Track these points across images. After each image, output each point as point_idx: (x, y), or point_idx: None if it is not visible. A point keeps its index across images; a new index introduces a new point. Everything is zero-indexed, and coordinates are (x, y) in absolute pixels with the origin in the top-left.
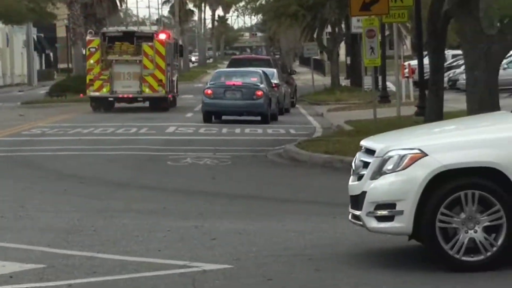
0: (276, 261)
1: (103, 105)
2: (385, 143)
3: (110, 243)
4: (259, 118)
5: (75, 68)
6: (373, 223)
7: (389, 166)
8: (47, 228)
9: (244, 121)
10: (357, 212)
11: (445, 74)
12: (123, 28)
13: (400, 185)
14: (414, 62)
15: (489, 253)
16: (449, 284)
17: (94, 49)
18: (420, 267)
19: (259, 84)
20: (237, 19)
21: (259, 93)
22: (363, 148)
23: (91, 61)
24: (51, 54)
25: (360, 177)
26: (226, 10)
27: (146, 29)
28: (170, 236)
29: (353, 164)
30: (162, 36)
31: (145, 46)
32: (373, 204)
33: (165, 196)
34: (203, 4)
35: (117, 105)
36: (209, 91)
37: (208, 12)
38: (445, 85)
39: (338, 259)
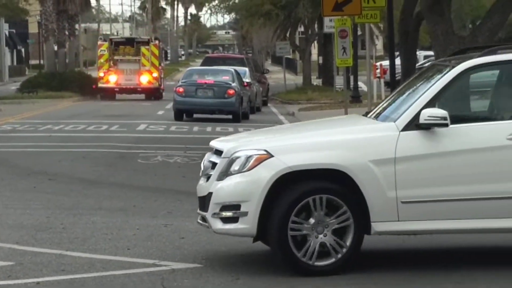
0: (245, 261)
1: (109, 94)
2: (233, 143)
3: (79, 241)
4: (230, 116)
5: (47, 64)
6: (219, 225)
7: (235, 167)
8: (16, 225)
9: (215, 119)
10: (204, 214)
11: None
12: (126, 35)
13: (245, 186)
14: (386, 63)
15: (339, 255)
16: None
17: (104, 51)
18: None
19: (231, 82)
20: (210, 17)
21: (231, 91)
22: (212, 149)
23: (102, 60)
24: (23, 50)
25: (208, 178)
26: (199, 8)
27: (144, 36)
28: (139, 234)
29: (202, 165)
30: (156, 41)
31: (143, 49)
32: (218, 205)
33: (135, 194)
34: (175, 2)
35: (118, 96)
36: (181, 89)
37: (180, 10)
38: None
39: None
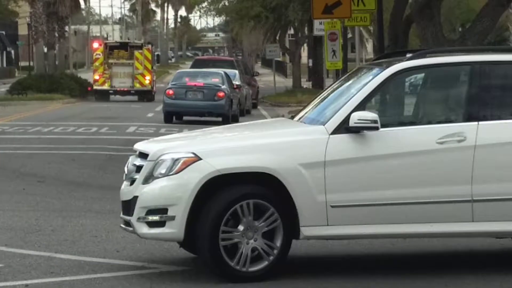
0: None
1: (104, 96)
2: (159, 146)
3: (68, 243)
4: (220, 119)
5: (36, 66)
6: (144, 229)
7: (162, 170)
8: (5, 228)
9: (205, 122)
10: (128, 218)
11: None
12: (120, 40)
13: (172, 189)
14: None
15: (272, 257)
16: None
17: (99, 55)
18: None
19: (220, 85)
20: (200, 20)
21: (221, 94)
22: (137, 151)
23: (97, 64)
24: (13, 52)
25: (132, 182)
26: (188, 11)
27: (137, 41)
28: (128, 237)
29: (125, 168)
30: (149, 46)
31: (136, 53)
32: (144, 209)
33: None
34: (165, 4)
35: (112, 97)
36: (171, 92)
37: (171, 12)
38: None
39: (293, 261)
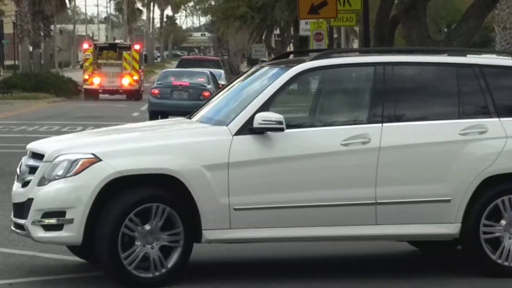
0: (224, 268)
1: (93, 95)
2: (55, 146)
3: None
4: None
5: (21, 65)
6: (40, 233)
7: (59, 171)
8: None
9: None
10: (22, 221)
11: None
12: (110, 41)
13: (71, 191)
14: None
15: (170, 264)
16: None
17: (88, 55)
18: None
19: (206, 84)
20: (186, 19)
21: (206, 93)
22: (29, 152)
23: (87, 64)
24: None
25: (25, 183)
26: (175, 10)
27: (125, 42)
28: None
29: (18, 169)
30: (137, 47)
31: (125, 54)
32: (40, 212)
33: None
34: (151, 4)
35: (101, 96)
36: (156, 91)
37: (157, 12)
38: None
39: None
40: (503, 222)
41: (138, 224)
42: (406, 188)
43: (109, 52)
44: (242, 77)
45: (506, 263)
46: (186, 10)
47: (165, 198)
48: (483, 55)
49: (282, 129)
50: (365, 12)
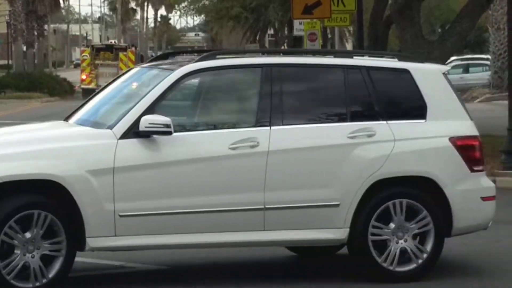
0: (208, 264)
1: (90, 94)
2: None
3: None
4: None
5: (15, 64)
6: None
7: None
8: None
9: None
10: None
11: None
12: (106, 42)
13: None
14: None
15: (51, 274)
16: None
17: (86, 56)
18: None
19: None
20: (180, 19)
21: None
22: None
23: (84, 64)
24: None
25: None
26: (168, 10)
27: (122, 44)
28: None
29: None
30: (133, 48)
31: (121, 54)
32: None
33: None
34: (145, 3)
35: None
36: None
37: (150, 12)
38: None
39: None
40: (391, 225)
41: (18, 232)
42: (294, 193)
43: (105, 53)
44: (120, 79)
45: (390, 267)
46: (180, 11)
47: (47, 204)
48: (369, 57)
49: (169, 133)
50: (359, 12)
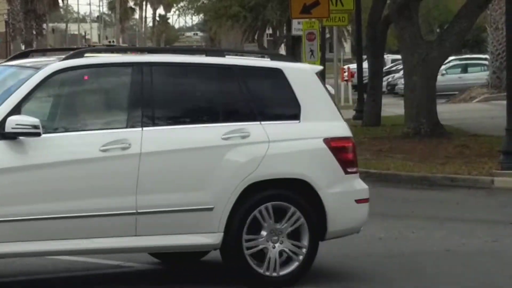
0: (205, 263)
1: None
2: None
3: None
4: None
5: None
6: None
7: None
8: None
9: None
10: None
11: (384, 79)
12: (106, 42)
13: None
14: (354, 66)
15: None
16: None
17: None
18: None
19: None
20: (178, 19)
21: None
22: None
23: None
24: None
25: None
26: (167, 9)
27: (122, 44)
28: None
29: None
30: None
31: None
32: None
33: None
34: (144, 3)
35: None
36: None
37: (149, 11)
38: (384, 89)
39: None
40: (263, 233)
41: None
42: (168, 197)
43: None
44: None
45: (275, 274)
46: (178, 10)
47: None
48: (242, 56)
49: (38, 134)
50: (357, 12)
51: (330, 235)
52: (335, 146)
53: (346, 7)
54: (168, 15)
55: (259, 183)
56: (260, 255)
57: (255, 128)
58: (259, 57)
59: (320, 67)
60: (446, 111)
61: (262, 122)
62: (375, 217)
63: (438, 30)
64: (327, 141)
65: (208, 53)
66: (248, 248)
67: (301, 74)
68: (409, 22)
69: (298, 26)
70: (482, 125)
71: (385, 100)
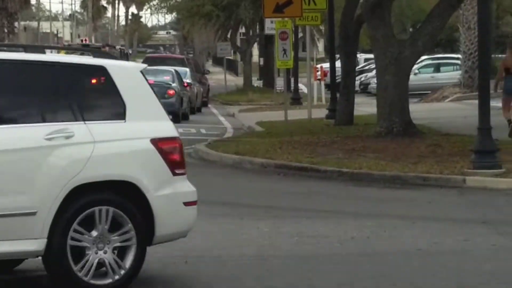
0: (182, 262)
1: None
2: None
3: None
4: (170, 117)
5: None
6: None
7: None
8: None
9: None
10: None
11: (357, 78)
12: (79, 42)
13: None
14: (327, 65)
15: None
16: None
17: None
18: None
19: (171, 83)
20: (151, 17)
21: (171, 92)
22: None
23: None
24: None
25: None
26: (139, 8)
27: (97, 43)
28: None
29: None
30: (106, 48)
31: None
32: None
33: None
34: (116, 1)
35: None
36: None
37: (122, 9)
38: (357, 88)
39: (244, 261)
40: (93, 233)
41: None
42: None
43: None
44: None
45: (85, 278)
46: (151, 8)
47: None
48: (64, 53)
49: None
50: (330, 11)
51: (158, 239)
52: (163, 146)
53: (319, 6)
54: (141, 13)
55: (85, 186)
56: (80, 255)
57: (80, 128)
58: (80, 54)
59: (145, 65)
60: (418, 110)
61: (87, 122)
62: (347, 216)
63: (411, 29)
64: (154, 141)
65: (27, 49)
66: (71, 246)
67: (125, 72)
68: (382, 22)
69: (271, 25)
70: (454, 125)
71: (358, 99)
